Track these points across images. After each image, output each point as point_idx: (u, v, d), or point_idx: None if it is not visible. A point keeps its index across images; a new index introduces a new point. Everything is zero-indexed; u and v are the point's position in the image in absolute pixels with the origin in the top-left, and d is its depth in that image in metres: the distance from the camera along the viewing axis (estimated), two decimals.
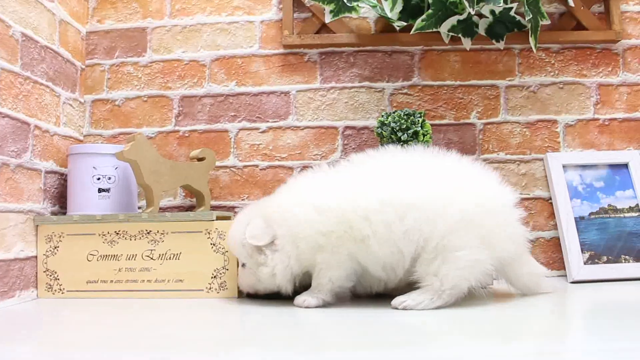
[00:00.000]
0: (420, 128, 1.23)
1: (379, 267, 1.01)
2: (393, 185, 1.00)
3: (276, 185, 1.34)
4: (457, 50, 1.50)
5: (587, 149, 1.47)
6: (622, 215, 1.40)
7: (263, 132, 1.50)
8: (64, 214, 1.34)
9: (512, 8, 1.35)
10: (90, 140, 1.52)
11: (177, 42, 1.54)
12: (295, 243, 1.03)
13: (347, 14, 1.41)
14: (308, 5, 1.50)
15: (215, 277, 1.21)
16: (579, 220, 1.39)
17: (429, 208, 0.97)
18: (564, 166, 1.43)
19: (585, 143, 1.47)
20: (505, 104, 1.49)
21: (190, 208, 1.49)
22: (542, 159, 1.47)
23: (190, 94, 1.52)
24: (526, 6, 1.30)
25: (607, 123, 1.48)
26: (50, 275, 1.25)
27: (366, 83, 1.50)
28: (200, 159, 1.38)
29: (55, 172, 1.34)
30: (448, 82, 1.50)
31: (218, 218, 1.23)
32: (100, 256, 1.24)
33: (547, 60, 1.50)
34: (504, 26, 1.40)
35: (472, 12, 1.30)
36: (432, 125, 1.41)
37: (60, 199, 1.36)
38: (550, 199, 1.45)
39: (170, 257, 1.23)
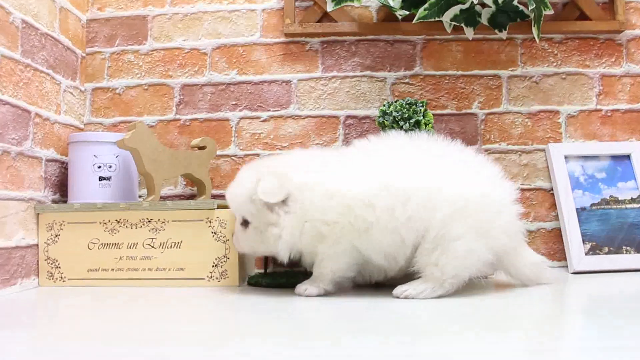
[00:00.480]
0: (422, 117, 1.23)
1: (381, 256, 1.02)
2: (395, 170, 1.00)
3: None
4: (460, 39, 1.49)
5: (589, 140, 1.47)
6: (623, 206, 1.39)
7: (264, 121, 1.50)
8: (65, 202, 1.34)
9: None
10: (91, 128, 1.52)
11: (178, 30, 1.53)
12: (305, 211, 1.01)
13: (349, 3, 1.40)
14: None
15: (216, 265, 1.21)
16: (580, 211, 1.39)
17: (427, 195, 0.97)
18: (565, 157, 1.43)
19: (587, 134, 1.47)
20: (507, 94, 1.48)
21: (191, 197, 1.49)
22: (543, 150, 1.46)
23: (191, 82, 1.52)
24: None
25: (609, 114, 1.47)
26: (52, 264, 1.25)
27: (368, 72, 1.50)
28: (201, 148, 1.37)
29: (55, 160, 1.34)
30: (450, 72, 1.49)
31: (219, 207, 1.23)
32: (101, 244, 1.24)
33: (549, 50, 1.49)
34: (506, 16, 1.39)
35: (475, 2, 1.29)
36: (433, 115, 1.40)
37: (61, 187, 1.36)
38: (552, 189, 1.45)
39: (171, 246, 1.23)
